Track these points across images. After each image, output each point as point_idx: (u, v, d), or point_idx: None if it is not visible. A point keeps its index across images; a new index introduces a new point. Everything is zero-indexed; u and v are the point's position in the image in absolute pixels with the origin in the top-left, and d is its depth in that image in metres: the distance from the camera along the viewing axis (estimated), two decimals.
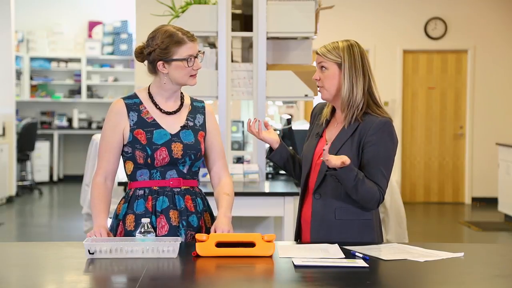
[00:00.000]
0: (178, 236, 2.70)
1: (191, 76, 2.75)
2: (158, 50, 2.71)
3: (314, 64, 2.89)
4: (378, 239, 2.79)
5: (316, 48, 2.88)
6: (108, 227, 2.74)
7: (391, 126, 2.73)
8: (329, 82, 2.76)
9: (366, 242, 2.71)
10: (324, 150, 2.58)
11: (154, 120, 2.77)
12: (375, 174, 2.68)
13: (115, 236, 2.75)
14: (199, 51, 2.77)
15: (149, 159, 2.72)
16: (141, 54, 2.78)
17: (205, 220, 2.83)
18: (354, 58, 2.74)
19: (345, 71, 2.73)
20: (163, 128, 2.76)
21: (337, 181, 2.67)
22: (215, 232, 2.64)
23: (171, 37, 2.71)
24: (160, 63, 2.72)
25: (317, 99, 2.88)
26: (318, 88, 2.81)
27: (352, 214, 2.74)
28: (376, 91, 2.77)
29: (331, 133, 2.82)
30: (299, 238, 2.89)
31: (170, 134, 2.76)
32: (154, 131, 2.75)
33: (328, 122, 2.86)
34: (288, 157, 2.96)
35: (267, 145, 3.03)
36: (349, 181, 2.63)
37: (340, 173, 2.61)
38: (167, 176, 2.76)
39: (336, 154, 2.68)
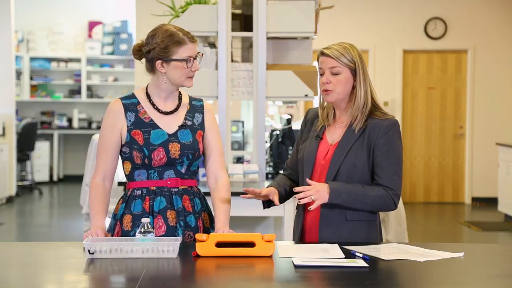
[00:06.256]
0: (176, 236, 2.70)
1: (188, 77, 2.74)
2: (158, 49, 2.69)
3: (315, 63, 2.87)
4: (380, 238, 2.82)
5: (316, 48, 2.86)
6: (106, 227, 2.73)
7: (398, 126, 2.81)
8: (342, 87, 2.74)
9: (372, 241, 2.73)
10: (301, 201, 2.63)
11: (152, 120, 2.76)
12: (389, 176, 2.71)
13: (112, 236, 2.75)
14: (198, 53, 2.76)
15: (146, 160, 2.72)
16: (139, 51, 2.75)
17: (203, 220, 2.81)
18: (363, 63, 2.75)
19: (360, 78, 2.74)
20: (160, 128, 2.75)
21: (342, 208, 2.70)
22: None
23: (172, 36, 2.69)
24: (158, 62, 2.71)
25: (317, 99, 2.85)
26: (326, 92, 2.74)
27: (361, 214, 2.75)
28: (374, 92, 2.80)
29: (333, 135, 2.80)
30: (301, 241, 2.84)
31: (168, 134, 2.75)
32: (152, 131, 2.74)
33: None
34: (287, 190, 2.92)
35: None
36: (349, 201, 2.67)
37: (333, 199, 2.65)
38: (164, 176, 2.75)
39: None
